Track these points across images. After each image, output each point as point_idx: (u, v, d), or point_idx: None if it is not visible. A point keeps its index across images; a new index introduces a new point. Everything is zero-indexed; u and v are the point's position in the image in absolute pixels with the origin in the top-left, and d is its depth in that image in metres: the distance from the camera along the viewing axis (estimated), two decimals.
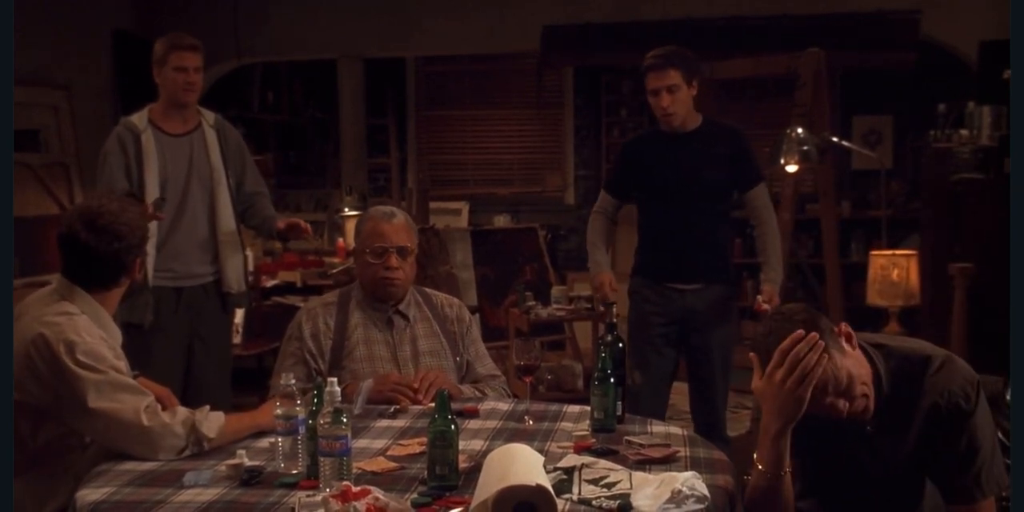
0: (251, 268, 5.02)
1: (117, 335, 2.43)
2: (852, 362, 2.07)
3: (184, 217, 3.77)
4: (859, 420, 2.16)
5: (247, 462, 2.10)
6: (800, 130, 4.95)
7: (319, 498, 1.85)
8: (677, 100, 3.67)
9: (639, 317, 3.87)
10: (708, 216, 3.80)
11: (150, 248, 3.64)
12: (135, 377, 2.53)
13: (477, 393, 2.87)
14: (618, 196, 3.98)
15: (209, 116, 3.87)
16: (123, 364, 2.32)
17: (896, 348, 2.19)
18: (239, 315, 5.28)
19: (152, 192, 3.67)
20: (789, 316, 2.06)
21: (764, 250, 3.88)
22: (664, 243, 3.84)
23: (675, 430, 2.50)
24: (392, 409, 2.62)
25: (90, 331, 2.29)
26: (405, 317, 2.91)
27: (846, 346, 2.08)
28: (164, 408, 2.36)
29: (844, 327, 2.11)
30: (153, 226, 3.53)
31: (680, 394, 4.22)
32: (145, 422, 2.19)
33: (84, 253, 2.35)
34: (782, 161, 4.93)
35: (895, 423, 2.17)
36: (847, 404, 2.06)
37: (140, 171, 3.67)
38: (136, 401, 2.22)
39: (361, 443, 2.33)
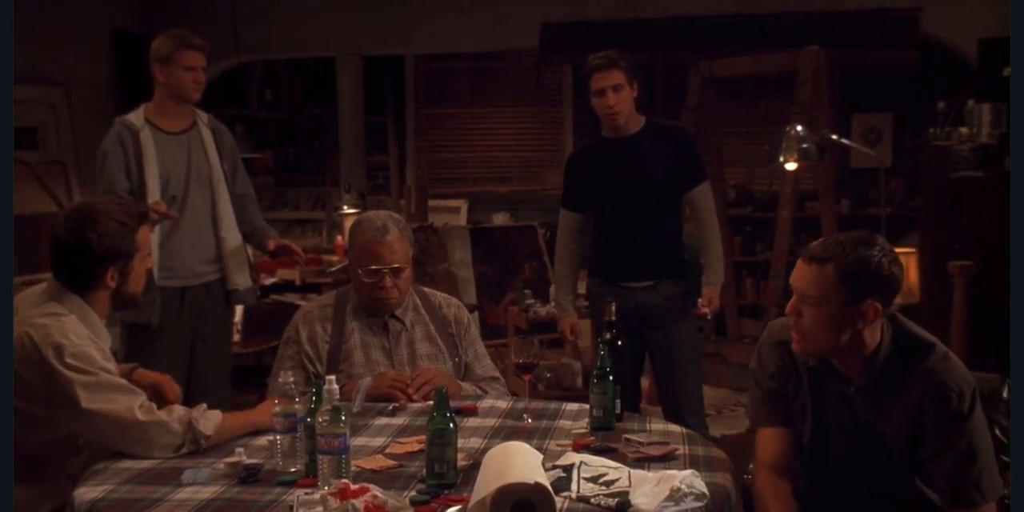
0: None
1: (106, 338, 2.40)
2: (830, 319, 2.12)
3: (185, 215, 3.75)
4: (841, 376, 2.21)
5: (245, 460, 2.10)
6: (800, 128, 4.95)
7: (317, 496, 1.85)
8: (622, 99, 3.71)
9: (599, 316, 3.92)
10: (656, 215, 3.83)
11: (152, 247, 3.63)
12: (134, 369, 2.53)
13: (477, 390, 2.87)
14: (576, 209, 3.97)
15: (203, 115, 3.87)
16: (112, 365, 2.30)
17: (905, 324, 2.23)
18: (238, 313, 5.27)
19: (153, 191, 3.65)
20: (849, 239, 2.15)
21: (706, 252, 3.90)
22: (614, 243, 3.89)
23: (674, 428, 2.51)
24: (391, 407, 2.62)
25: (78, 333, 2.26)
26: (401, 322, 2.91)
27: (855, 312, 2.12)
28: (167, 397, 2.35)
29: (876, 306, 2.13)
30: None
31: None
32: (141, 419, 2.19)
33: (56, 252, 2.34)
34: (782, 159, 4.92)
35: (881, 394, 2.18)
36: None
37: (140, 170, 3.66)
38: (129, 400, 2.21)
39: (360, 441, 2.33)
